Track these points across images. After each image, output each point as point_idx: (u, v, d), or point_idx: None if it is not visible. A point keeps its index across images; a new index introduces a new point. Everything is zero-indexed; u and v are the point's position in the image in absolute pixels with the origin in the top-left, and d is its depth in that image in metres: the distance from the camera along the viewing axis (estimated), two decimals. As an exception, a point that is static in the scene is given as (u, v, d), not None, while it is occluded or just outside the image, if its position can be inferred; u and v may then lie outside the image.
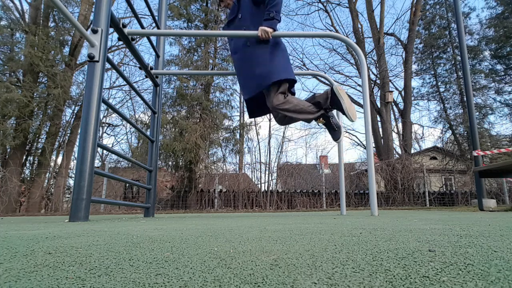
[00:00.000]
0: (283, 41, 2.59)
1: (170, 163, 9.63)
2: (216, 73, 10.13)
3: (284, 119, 2.63)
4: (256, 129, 11.08)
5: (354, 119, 2.48)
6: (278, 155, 10.60)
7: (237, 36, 2.48)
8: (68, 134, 10.27)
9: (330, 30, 14.23)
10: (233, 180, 9.41)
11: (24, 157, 9.33)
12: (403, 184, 9.22)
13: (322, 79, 14.26)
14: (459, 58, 10.06)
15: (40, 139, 9.81)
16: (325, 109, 2.51)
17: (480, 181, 4.14)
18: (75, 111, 10.33)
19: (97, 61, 2.03)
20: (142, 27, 3.36)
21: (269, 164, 10.14)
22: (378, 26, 12.64)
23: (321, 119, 2.57)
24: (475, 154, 4.27)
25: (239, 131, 10.55)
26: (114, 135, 18.93)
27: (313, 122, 2.67)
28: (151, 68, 3.18)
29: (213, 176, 9.46)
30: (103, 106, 2.14)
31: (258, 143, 10.98)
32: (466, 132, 12.06)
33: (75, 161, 6.94)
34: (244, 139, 10.72)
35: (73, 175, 6.31)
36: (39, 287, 0.39)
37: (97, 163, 11.59)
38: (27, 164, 9.73)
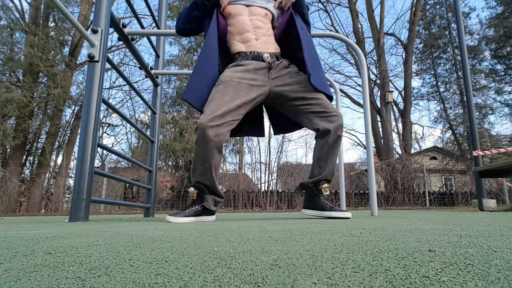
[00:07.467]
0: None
1: (170, 163, 9.64)
2: (216, 73, 10.12)
3: None
4: (256, 129, 11.04)
5: None
6: (278, 155, 10.58)
7: None
8: (68, 134, 10.27)
9: (330, 30, 14.23)
10: (233, 180, 9.41)
11: (24, 157, 9.33)
12: (403, 184, 9.21)
13: (322, 79, 14.22)
14: (459, 58, 10.06)
15: (40, 139, 9.82)
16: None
17: (480, 181, 4.14)
18: (75, 111, 10.34)
19: (97, 61, 2.03)
20: (142, 27, 3.36)
21: (269, 164, 10.14)
22: (378, 26, 12.64)
23: None
24: (475, 154, 4.27)
25: (239, 131, 10.52)
26: (114, 135, 18.90)
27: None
28: (151, 68, 3.18)
29: (213, 176, 9.43)
30: (103, 106, 2.14)
31: (258, 143, 10.93)
32: (466, 132, 12.06)
33: (75, 161, 6.94)
34: (244, 139, 10.71)
35: (73, 175, 6.31)
36: (39, 287, 0.39)
37: (97, 163, 11.57)
38: (27, 164, 9.75)
